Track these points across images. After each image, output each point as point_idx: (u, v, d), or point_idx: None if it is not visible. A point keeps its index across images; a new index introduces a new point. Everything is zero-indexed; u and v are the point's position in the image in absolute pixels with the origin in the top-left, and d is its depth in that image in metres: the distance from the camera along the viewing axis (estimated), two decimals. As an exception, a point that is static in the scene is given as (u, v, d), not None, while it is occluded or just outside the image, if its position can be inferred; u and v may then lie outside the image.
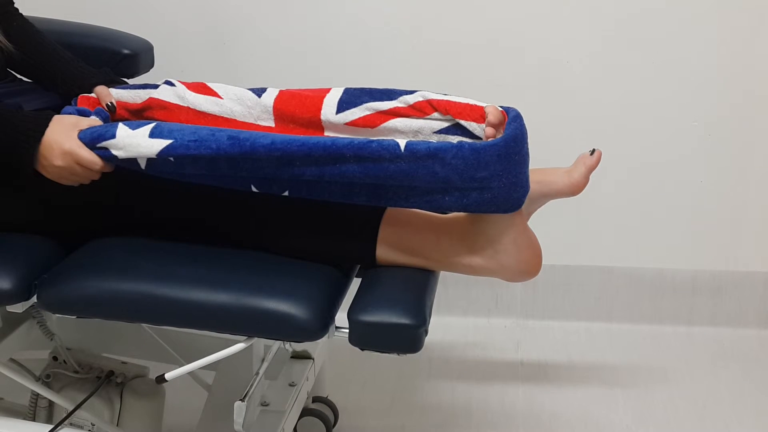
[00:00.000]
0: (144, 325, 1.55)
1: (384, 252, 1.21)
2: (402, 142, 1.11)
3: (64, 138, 1.18)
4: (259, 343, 1.46)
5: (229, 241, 1.25)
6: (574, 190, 1.32)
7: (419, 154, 1.11)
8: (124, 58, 1.67)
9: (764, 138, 2.10)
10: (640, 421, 1.88)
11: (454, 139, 1.23)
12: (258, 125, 1.30)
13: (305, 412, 1.73)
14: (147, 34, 1.77)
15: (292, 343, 1.63)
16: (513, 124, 1.15)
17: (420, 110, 1.24)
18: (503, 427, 1.86)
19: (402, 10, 2.04)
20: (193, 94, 1.33)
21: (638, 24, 2.02)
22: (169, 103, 1.33)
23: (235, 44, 2.08)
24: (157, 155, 1.15)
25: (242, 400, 1.31)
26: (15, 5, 1.54)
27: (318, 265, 1.23)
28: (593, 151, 1.33)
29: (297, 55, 2.08)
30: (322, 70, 2.07)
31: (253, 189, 1.17)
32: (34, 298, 1.23)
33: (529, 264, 1.20)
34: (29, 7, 1.58)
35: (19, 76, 1.52)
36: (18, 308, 1.25)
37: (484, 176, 1.11)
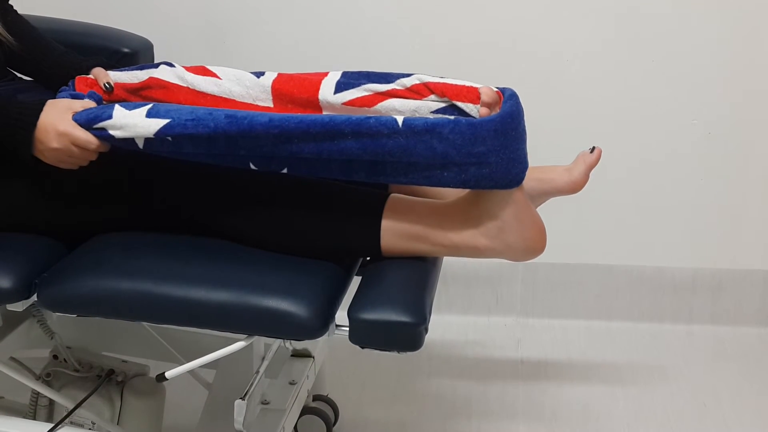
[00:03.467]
0: (144, 323, 1.55)
1: (388, 240, 1.21)
2: (400, 118, 1.12)
3: (58, 120, 1.18)
4: (260, 341, 1.46)
5: (232, 237, 1.25)
6: (574, 187, 1.32)
7: (417, 129, 1.11)
8: (123, 57, 1.67)
9: (764, 136, 2.10)
10: (640, 419, 1.88)
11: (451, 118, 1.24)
12: (256, 105, 1.31)
13: (305, 411, 1.73)
14: (147, 32, 1.77)
15: (293, 342, 1.62)
16: (509, 102, 1.16)
17: (417, 93, 1.25)
18: (503, 425, 1.86)
19: (402, 9, 2.04)
20: (192, 74, 1.34)
21: (638, 22, 2.02)
22: (169, 82, 1.34)
23: (235, 43, 2.08)
24: (154, 135, 1.16)
25: (242, 398, 1.31)
26: (9, 1, 1.54)
27: (318, 262, 1.23)
28: (593, 149, 1.33)
29: (297, 55, 2.08)
30: (323, 69, 2.06)
31: (252, 167, 1.17)
32: (35, 297, 1.23)
33: (533, 241, 1.20)
34: (29, 6, 1.58)
35: (18, 75, 1.52)
36: (18, 307, 1.25)
37: (481, 151, 1.12)
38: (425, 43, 2.06)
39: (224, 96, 1.32)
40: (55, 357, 1.51)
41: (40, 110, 1.19)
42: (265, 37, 2.07)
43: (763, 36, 2.02)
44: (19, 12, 1.54)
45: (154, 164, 1.26)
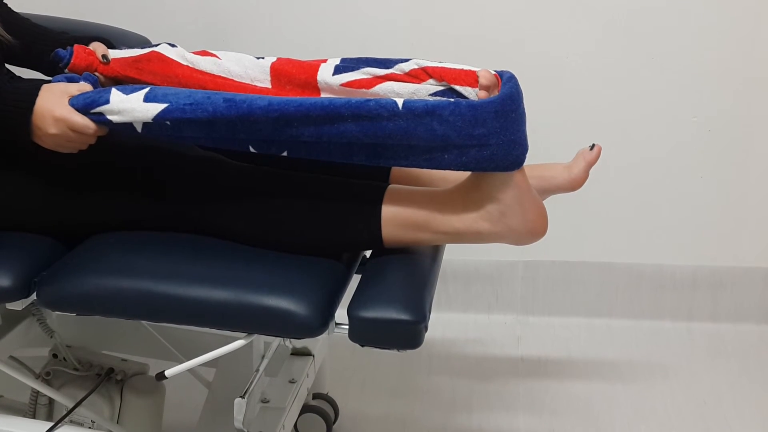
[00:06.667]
0: (144, 322, 1.55)
1: (390, 230, 1.20)
2: (399, 101, 1.12)
3: (54, 106, 1.18)
4: (259, 339, 1.46)
5: (231, 235, 1.25)
6: (574, 185, 1.32)
7: (417, 111, 1.11)
8: (123, 56, 1.67)
9: (764, 133, 2.10)
10: (641, 417, 1.88)
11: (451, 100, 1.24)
12: (254, 86, 1.31)
13: (305, 409, 1.73)
14: (146, 32, 1.76)
15: (292, 340, 1.63)
16: (508, 84, 1.16)
17: (415, 77, 1.25)
18: (504, 423, 1.86)
19: (401, 5, 2.04)
20: (193, 54, 1.34)
21: (637, 18, 2.02)
22: (168, 57, 1.33)
23: (235, 43, 2.08)
24: (153, 119, 1.16)
25: (242, 397, 1.31)
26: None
27: (318, 260, 1.23)
28: (593, 146, 1.33)
29: (297, 55, 2.07)
30: (322, 67, 2.07)
31: (252, 150, 1.17)
32: (34, 296, 1.23)
33: (535, 223, 1.20)
34: (28, 4, 1.58)
35: (19, 75, 1.52)
36: (17, 306, 1.25)
37: (481, 133, 1.12)
38: (425, 38, 2.06)
39: (222, 75, 1.32)
40: (55, 356, 1.51)
41: (36, 95, 1.19)
42: (267, 36, 2.07)
43: (763, 32, 2.02)
44: (19, 12, 1.53)
45: (156, 163, 1.26)
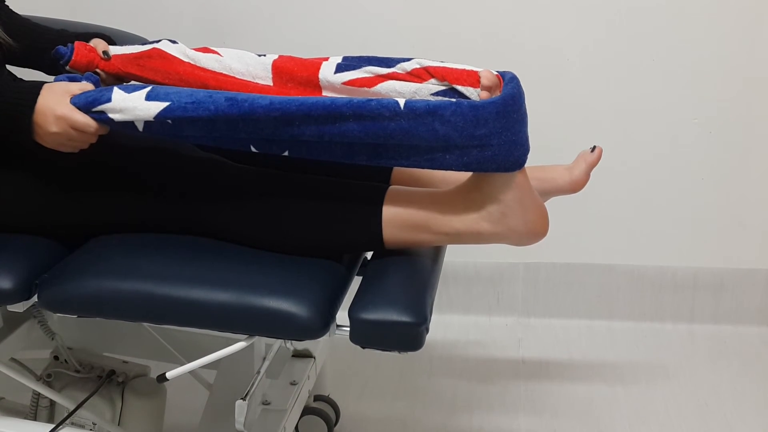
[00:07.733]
0: (145, 324, 1.55)
1: (390, 232, 1.20)
2: (401, 101, 1.12)
3: (56, 104, 1.18)
4: (260, 341, 1.46)
5: (232, 237, 1.25)
6: (575, 187, 1.32)
7: (419, 111, 1.11)
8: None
9: (765, 135, 2.10)
10: (642, 419, 1.88)
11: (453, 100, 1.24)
12: (255, 83, 1.31)
13: (306, 411, 1.73)
14: (146, 33, 1.77)
15: (294, 342, 1.63)
16: (510, 85, 1.16)
17: (417, 77, 1.25)
18: (505, 425, 1.86)
19: (403, 4, 2.04)
20: (194, 51, 1.34)
21: (638, 19, 2.02)
22: (170, 54, 1.34)
23: (236, 43, 2.08)
24: (154, 118, 1.16)
25: (243, 399, 1.31)
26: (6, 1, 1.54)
27: (319, 262, 1.22)
28: (594, 148, 1.33)
29: (298, 54, 2.08)
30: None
31: (253, 149, 1.17)
32: (35, 298, 1.23)
33: (536, 224, 1.20)
34: (29, 7, 1.58)
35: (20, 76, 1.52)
36: (19, 308, 1.25)
37: (483, 133, 1.12)
38: (425, 39, 2.06)
39: (224, 72, 1.32)
40: (56, 358, 1.51)
41: (37, 94, 1.19)
42: (268, 36, 2.07)
43: (763, 34, 2.02)
44: (20, 12, 1.54)
45: (156, 164, 1.26)
